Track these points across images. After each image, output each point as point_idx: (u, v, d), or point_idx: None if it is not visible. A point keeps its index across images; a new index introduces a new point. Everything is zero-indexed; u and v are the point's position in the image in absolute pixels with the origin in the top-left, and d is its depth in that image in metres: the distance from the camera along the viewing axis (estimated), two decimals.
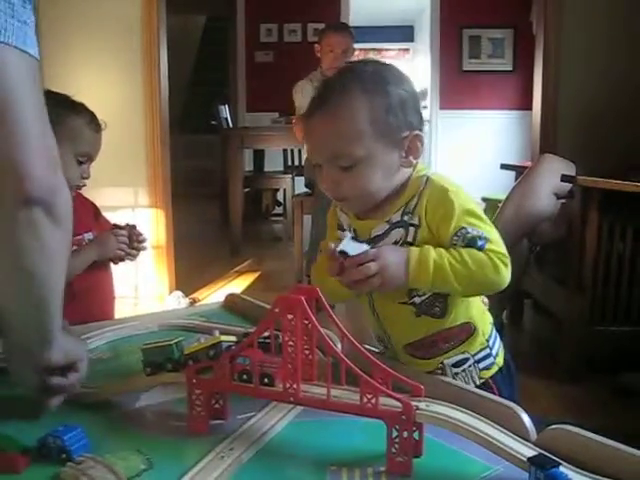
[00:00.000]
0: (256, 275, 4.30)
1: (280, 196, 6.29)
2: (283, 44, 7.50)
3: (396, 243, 1.11)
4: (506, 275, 1.07)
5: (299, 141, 3.97)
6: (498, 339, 1.23)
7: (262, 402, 1.01)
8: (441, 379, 1.07)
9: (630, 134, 3.34)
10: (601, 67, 3.53)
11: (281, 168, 6.11)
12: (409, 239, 1.11)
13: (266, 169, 6.00)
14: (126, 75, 3.66)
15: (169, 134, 3.86)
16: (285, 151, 6.13)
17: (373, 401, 0.85)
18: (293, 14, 7.34)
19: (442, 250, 1.07)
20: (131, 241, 1.82)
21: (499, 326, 2.72)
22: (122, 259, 1.82)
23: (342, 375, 0.89)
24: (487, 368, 1.19)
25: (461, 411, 0.88)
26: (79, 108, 1.74)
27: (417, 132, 1.14)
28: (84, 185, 1.78)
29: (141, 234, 1.86)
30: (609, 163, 2.99)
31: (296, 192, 4.89)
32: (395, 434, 0.84)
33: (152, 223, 3.70)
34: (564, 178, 2.52)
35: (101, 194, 1.92)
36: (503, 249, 1.08)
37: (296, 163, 5.97)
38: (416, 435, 0.85)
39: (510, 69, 7.42)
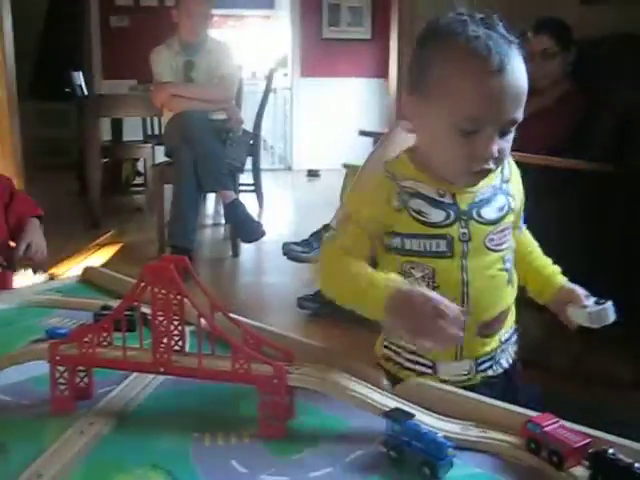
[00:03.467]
0: (117, 247, 4.19)
1: (141, 166, 6.12)
2: (139, 8, 7.26)
3: (501, 209, 1.10)
4: None
5: (158, 109, 3.88)
6: None
7: (123, 374, 1.00)
8: (303, 341, 1.10)
9: None
10: None
11: (141, 137, 5.94)
12: (512, 206, 1.11)
13: (125, 138, 5.81)
14: None
15: (17, 102, 3.66)
16: (144, 120, 5.96)
17: (245, 367, 0.87)
18: None
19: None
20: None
21: None
22: None
23: (212, 343, 0.90)
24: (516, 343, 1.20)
25: (329, 371, 0.91)
26: None
27: None
28: None
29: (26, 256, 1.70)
30: None
31: (157, 162, 4.79)
32: (267, 398, 0.86)
33: None
34: None
35: None
36: None
37: (156, 132, 5.83)
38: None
39: (369, 37, 7.58)
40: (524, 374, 1.22)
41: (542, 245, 1.23)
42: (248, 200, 4.27)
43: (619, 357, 2.20)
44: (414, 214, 1.06)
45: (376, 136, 3.32)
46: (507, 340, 1.16)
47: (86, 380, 0.95)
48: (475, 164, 1.03)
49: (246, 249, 3.94)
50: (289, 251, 2.69)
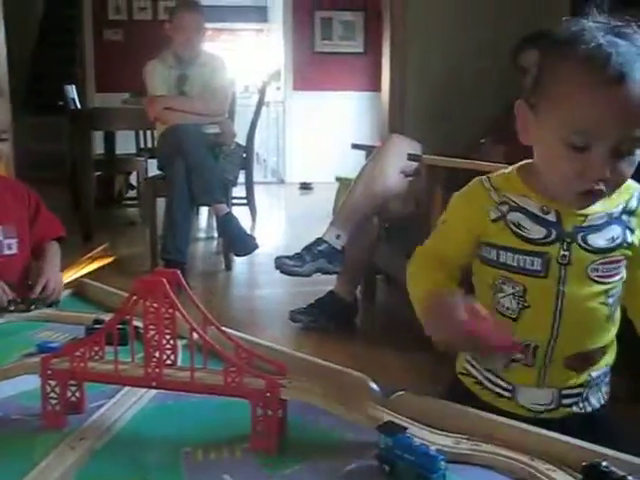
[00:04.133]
0: (110, 261, 4.18)
1: (133, 179, 6.12)
2: (133, 22, 7.29)
3: (612, 240, 1.00)
4: None
5: (152, 122, 3.89)
6: None
7: (114, 388, 1.00)
8: (296, 354, 1.10)
9: (472, 116, 3.52)
10: (444, 51, 3.69)
11: (134, 150, 5.94)
12: (628, 241, 1.01)
13: (118, 152, 5.81)
14: None
15: (11, 116, 3.66)
16: (137, 133, 5.97)
17: (237, 380, 0.86)
18: None
19: None
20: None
21: (353, 302, 2.81)
22: None
23: (205, 356, 0.90)
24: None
25: (322, 384, 0.91)
26: None
27: None
28: None
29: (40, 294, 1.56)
30: (454, 142, 3.15)
31: (149, 175, 4.78)
32: (260, 412, 0.86)
33: None
34: (410, 157, 2.62)
35: None
36: None
37: (149, 145, 5.83)
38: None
39: (361, 51, 7.61)
40: None
41: None
42: (241, 213, 4.27)
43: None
44: (512, 226, 1.02)
45: (369, 149, 3.33)
46: (598, 377, 1.07)
47: (77, 394, 0.95)
48: (583, 183, 0.94)
49: (239, 262, 3.94)
50: (281, 265, 2.69)
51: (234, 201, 4.32)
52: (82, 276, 1.78)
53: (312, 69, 7.61)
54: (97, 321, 1.26)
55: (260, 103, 5.04)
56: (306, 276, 2.69)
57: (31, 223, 1.74)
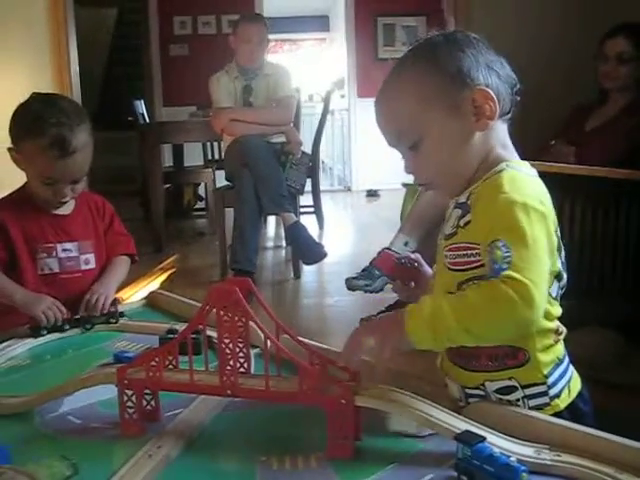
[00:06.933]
0: (181, 271, 4.25)
1: (202, 190, 6.23)
2: (198, 36, 7.42)
3: (453, 225, 0.99)
4: (525, 311, 0.84)
5: (218, 134, 3.94)
6: (566, 380, 0.99)
7: (189, 397, 1.01)
8: (369, 361, 1.09)
9: (539, 117, 3.45)
10: (509, 54, 3.62)
11: (201, 162, 6.04)
12: (461, 223, 0.98)
13: (186, 164, 5.93)
14: (34, 73, 3.53)
15: None
16: (204, 145, 6.07)
17: (312, 387, 0.86)
18: (206, 6, 7.27)
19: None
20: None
21: None
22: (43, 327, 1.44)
23: (278, 364, 0.90)
24: (539, 408, 0.96)
25: (397, 391, 0.89)
26: (43, 128, 1.51)
27: (478, 88, 0.99)
28: (61, 204, 1.63)
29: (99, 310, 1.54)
30: (523, 145, 3.08)
31: (217, 186, 4.85)
32: (335, 420, 0.85)
33: None
34: None
35: None
36: (529, 280, 0.84)
37: (216, 157, 5.92)
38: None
39: None
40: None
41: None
42: (308, 222, 4.28)
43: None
44: None
45: None
46: (497, 391, 0.96)
47: (153, 403, 0.96)
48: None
49: (307, 271, 3.94)
50: (353, 287, 2.64)
51: (302, 210, 4.34)
52: (154, 287, 1.80)
53: (376, 76, 7.54)
54: (170, 331, 1.27)
55: (325, 111, 5.05)
56: (379, 292, 2.65)
57: (104, 234, 1.77)
